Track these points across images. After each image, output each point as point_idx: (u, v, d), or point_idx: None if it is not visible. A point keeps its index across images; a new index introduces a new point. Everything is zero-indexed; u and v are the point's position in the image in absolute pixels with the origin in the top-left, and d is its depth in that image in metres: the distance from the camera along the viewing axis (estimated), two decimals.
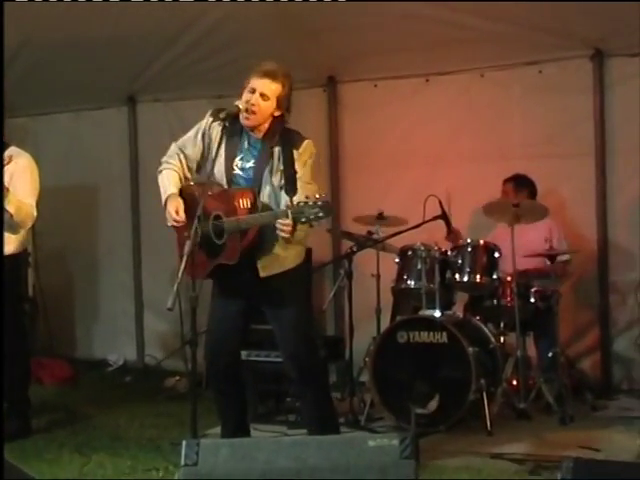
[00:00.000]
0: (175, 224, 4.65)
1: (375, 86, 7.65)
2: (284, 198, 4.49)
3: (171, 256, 7.27)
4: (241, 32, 6.70)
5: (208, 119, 4.75)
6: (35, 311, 8.29)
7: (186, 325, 4.35)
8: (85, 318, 8.85)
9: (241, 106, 4.60)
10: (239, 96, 4.68)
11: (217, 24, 6.78)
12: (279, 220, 4.30)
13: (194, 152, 4.82)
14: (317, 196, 4.18)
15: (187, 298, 4.17)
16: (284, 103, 4.67)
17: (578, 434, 5.62)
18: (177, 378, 7.33)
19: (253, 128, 4.70)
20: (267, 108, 4.63)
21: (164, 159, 4.90)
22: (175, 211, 4.63)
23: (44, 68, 7.48)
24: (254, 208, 4.56)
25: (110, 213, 8.72)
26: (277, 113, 4.68)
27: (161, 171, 4.87)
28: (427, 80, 7.49)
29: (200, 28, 6.90)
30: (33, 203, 5.62)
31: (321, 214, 4.14)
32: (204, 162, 4.83)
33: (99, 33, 6.78)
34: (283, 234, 4.33)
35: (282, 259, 4.64)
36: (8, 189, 5.40)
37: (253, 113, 4.62)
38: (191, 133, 4.87)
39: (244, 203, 4.55)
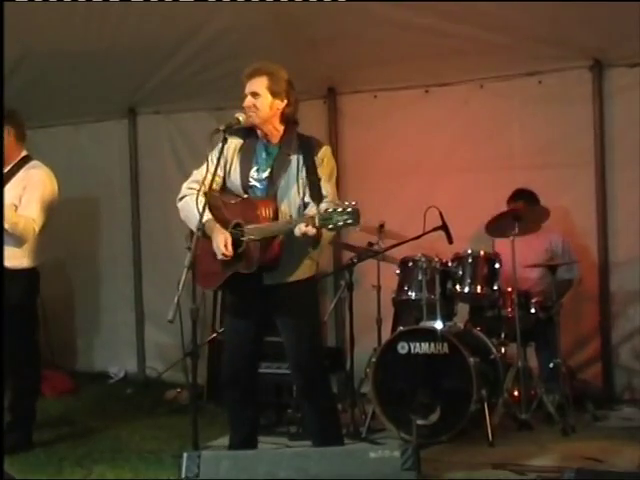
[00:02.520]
0: (224, 258, 4.56)
1: (375, 97, 7.66)
2: (308, 206, 4.52)
3: (172, 267, 7.33)
4: (241, 44, 6.70)
5: (220, 142, 4.63)
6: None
7: (187, 337, 4.34)
8: (86, 330, 8.84)
9: (241, 118, 4.62)
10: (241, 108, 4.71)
11: (217, 36, 6.79)
12: (303, 226, 4.27)
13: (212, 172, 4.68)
14: (346, 203, 4.14)
15: (188, 310, 4.16)
16: (280, 93, 4.66)
17: (580, 445, 5.61)
18: (178, 390, 7.32)
19: (265, 131, 4.70)
20: (263, 104, 4.63)
21: (185, 185, 4.80)
22: (224, 245, 4.53)
23: (44, 81, 7.48)
24: (276, 217, 4.54)
25: (111, 225, 8.72)
26: (280, 104, 4.67)
27: (183, 197, 4.77)
28: (427, 91, 7.50)
29: (200, 40, 6.91)
30: (36, 217, 5.64)
31: (350, 220, 4.08)
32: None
33: (99, 45, 6.80)
34: (309, 237, 4.30)
35: (287, 270, 4.62)
36: (16, 206, 5.48)
37: (253, 113, 4.64)
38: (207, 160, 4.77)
39: (266, 212, 4.53)
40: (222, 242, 4.52)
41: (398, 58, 6.97)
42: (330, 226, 4.12)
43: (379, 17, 6.34)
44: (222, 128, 4.56)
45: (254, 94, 4.64)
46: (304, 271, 4.69)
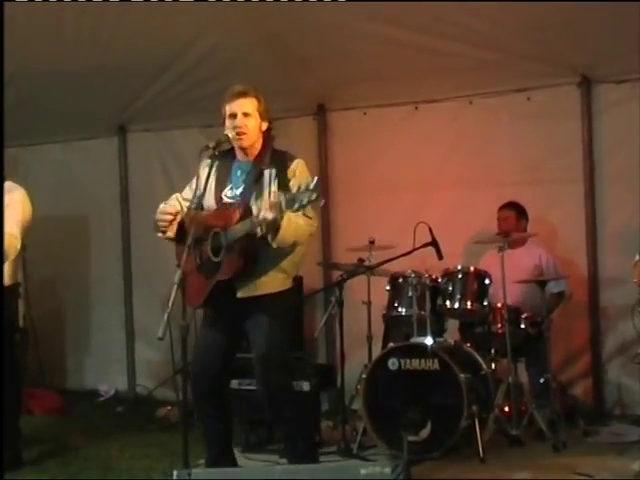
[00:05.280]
0: (164, 217, 4.74)
1: (365, 114, 7.70)
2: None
3: (162, 285, 7.32)
4: (231, 61, 6.74)
5: (200, 161, 4.75)
6: (26, 341, 8.24)
7: (177, 354, 4.34)
8: (76, 348, 8.82)
9: (230, 134, 4.66)
10: (222, 126, 4.76)
11: (207, 53, 6.81)
12: (264, 210, 4.34)
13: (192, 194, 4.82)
14: (309, 180, 4.24)
15: (178, 327, 4.16)
16: (265, 115, 4.79)
17: (571, 460, 5.60)
18: (169, 408, 7.29)
19: (247, 150, 4.77)
20: (254, 125, 4.74)
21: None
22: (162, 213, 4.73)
23: (34, 98, 7.48)
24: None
25: (101, 243, 8.72)
26: (264, 126, 4.79)
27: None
28: (416, 108, 7.54)
29: (190, 57, 6.93)
30: (17, 235, 5.62)
31: (314, 196, 4.14)
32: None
33: (89, 63, 6.81)
34: (268, 215, 4.33)
35: (260, 283, 4.67)
36: None
37: (244, 134, 4.72)
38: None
39: (238, 215, 4.59)
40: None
41: (388, 75, 7.01)
42: (296, 206, 4.19)
43: (368, 34, 6.37)
44: (211, 145, 4.61)
45: (246, 115, 4.72)
46: (276, 285, 4.73)
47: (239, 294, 4.65)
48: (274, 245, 4.50)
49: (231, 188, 4.79)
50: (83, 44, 6.57)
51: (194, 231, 4.37)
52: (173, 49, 6.80)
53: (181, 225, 4.78)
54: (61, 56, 6.71)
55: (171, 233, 4.78)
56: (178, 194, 4.96)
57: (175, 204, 4.89)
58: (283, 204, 4.24)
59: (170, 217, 4.74)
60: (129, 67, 6.92)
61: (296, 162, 4.73)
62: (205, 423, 5.00)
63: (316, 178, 4.22)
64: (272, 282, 4.70)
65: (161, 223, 4.77)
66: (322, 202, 4.35)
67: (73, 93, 7.39)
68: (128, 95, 7.72)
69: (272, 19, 6.26)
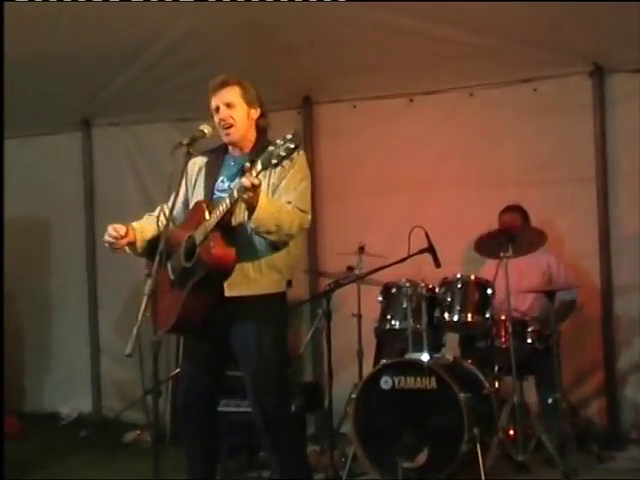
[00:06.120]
0: (109, 239, 4.73)
1: (354, 107, 7.71)
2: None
3: (131, 295, 7.30)
4: (207, 49, 6.73)
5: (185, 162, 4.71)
6: None
7: (147, 373, 4.32)
8: (35, 366, 8.79)
9: (206, 130, 4.64)
10: (210, 119, 4.75)
11: (181, 40, 6.79)
12: (245, 178, 4.27)
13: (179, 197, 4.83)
14: (284, 136, 4.23)
15: (149, 343, 4.14)
16: (253, 101, 4.77)
17: None
18: (138, 432, 7.28)
19: (240, 144, 4.76)
20: (240, 115, 4.73)
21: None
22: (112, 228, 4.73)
23: None
24: (226, 215, 4.51)
25: (63, 248, 8.71)
26: (255, 114, 4.78)
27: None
28: (411, 100, 7.56)
29: (162, 45, 6.91)
30: None
31: (292, 145, 4.17)
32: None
33: (49, 51, 6.78)
34: (248, 193, 4.28)
35: (252, 281, 4.61)
36: None
37: (231, 126, 4.71)
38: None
39: (213, 211, 4.54)
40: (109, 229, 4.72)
41: (380, 64, 7.00)
42: (274, 161, 4.20)
43: (358, 20, 6.36)
44: (185, 142, 4.56)
45: (229, 105, 4.71)
46: (270, 285, 4.67)
47: (227, 292, 4.58)
48: (252, 225, 4.41)
49: (223, 180, 4.77)
50: (44, 29, 6.53)
51: (162, 247, 4.26)
52: (143, 35, 6.77)
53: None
54: (19, 42, 6.65)
55: (129, 251, 4.82)
56: (164, 204, 4.86)
57: (157, 215, 4.86)
58: (259, 165, 4.24)
59: (115, 235, 4.72)
60: (94, 54, 6.89)
61: (297, 156, 4.61)
62: (189, 447, 4.92)
63: (294, 130, 4.25)
64: (265, 281, 4.64)
65: (107, 239, 4.76)
66: (301, 152, 4.39)
67: (32, 83, 7.36)
68: (93, 86, 7.69)
69: (252, 2, 6.24)
